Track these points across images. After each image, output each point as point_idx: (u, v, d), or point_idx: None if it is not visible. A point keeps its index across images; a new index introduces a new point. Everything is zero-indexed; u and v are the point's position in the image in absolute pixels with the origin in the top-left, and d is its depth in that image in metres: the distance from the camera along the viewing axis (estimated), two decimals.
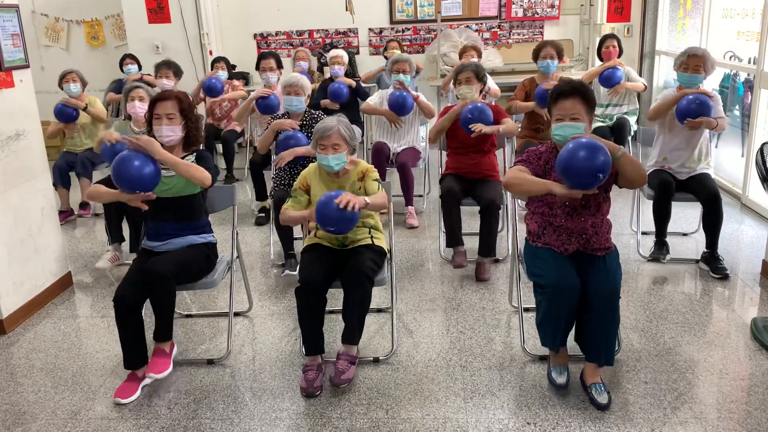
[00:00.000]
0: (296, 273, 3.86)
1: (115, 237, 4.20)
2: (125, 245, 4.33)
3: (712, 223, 3.74)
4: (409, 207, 4.85)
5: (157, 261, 2.81)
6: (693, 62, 3.78)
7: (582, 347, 2.71)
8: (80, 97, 5.24)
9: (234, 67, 7.31)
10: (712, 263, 3.77)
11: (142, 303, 2.83)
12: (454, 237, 3.89)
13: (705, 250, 3.84)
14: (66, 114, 5.14)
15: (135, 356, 2.84)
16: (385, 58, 6.60)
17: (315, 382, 2.76)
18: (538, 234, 2.78)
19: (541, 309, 2.67)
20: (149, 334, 2.91)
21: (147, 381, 2.88)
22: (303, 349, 2.90)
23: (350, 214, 2.69)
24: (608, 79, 5.35)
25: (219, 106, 6.11)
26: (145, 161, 2.69)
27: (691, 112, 3.65)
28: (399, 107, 4.64)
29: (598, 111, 5.53)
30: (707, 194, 3.70)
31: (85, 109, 5.19)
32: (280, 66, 5.43)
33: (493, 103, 4.82)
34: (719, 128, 3.79)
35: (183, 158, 2.95)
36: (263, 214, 5.03)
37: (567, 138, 2.60)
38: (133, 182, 2.68)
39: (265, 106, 4.80)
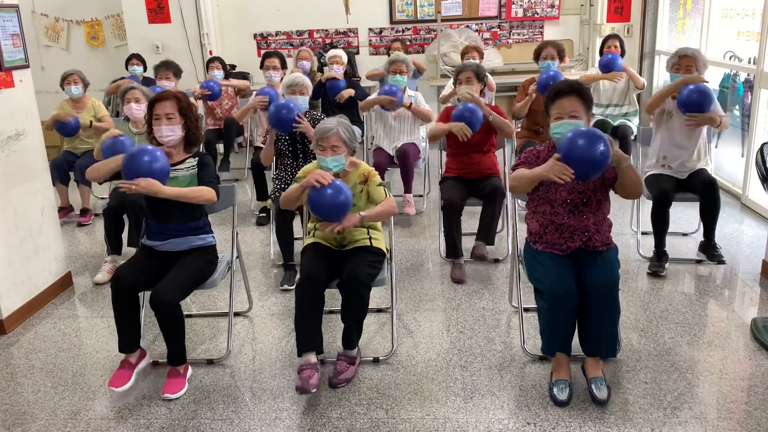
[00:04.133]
0: (293, 288, 3.85)
1: (113, 248, 4.14)
2: (124, 243, 4.32)
3: (709, 211, 3.73)
4: (408, 195, 4.87)
5: (161, 288, 2.75)
6: (684, 62, 3.79)
7: (583, 344, 2.71)
8: (83, 99, 5.22)
9: (234, 67, 7.31)
10: (709, 251, 3.77)
11: (140, 288, 2.83)
12: (453, 248, 3.89)
13: (702, 239, 3.84)
14: (66, 130, 5.04)
15: (129, 340, 2.86)
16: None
17: (311, 379, 2.68)
18: (539, 234, 2.78)
19: (542, 315, 2.68)
20: (149, 335, 2.91)
21: (141, 366, 2.92)
22: (297, 350, 2.79)
23: (342, 203, 2.69)
24: (608, 66, 5.21)
25: (219, 106, 6.10)
26: (155, 156, 2.70)
27: (692, 102, 3.62)
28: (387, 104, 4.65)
29: (598, 111, 5.53)
30: (703, 181, 3.70)
31: (91, 125, 5.14)
32: (284, 66, 5.44)
33: (493, 103, 4.83)
34: (722, 126, 3.78)
35: (184, 160, 2.97)
36: (264, 214, 5.02)
37: (567, 135, 2.61)
38: (143, 176, 2.68)
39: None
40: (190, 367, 2.95)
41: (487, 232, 3.88)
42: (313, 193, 2.72)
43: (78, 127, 5.06)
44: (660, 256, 3.86)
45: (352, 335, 2.89)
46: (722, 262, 3.71)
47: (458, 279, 3.82)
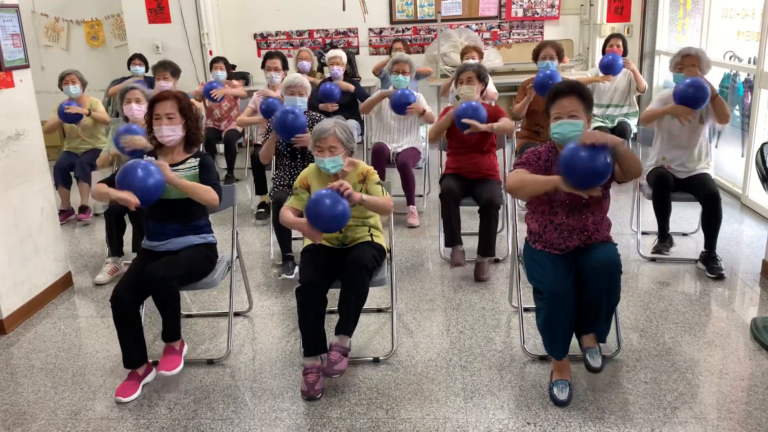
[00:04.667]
0: (293, 277, 3.87)
1: (114, 250, 4.14)
2: (127, 244, 4.31)
3: (711, 223, 3.74)
4: (411, 207, 4.85)
5: (157, 265, 2.79)
6: (688, 62, 3.79)
7: (580, 321, 2.71)
8: (81, 99, 5.21)
9: (234, 67, 7.30)
10: (709, 263, 3.77)
11: (140, 303, 2.84)
12: (452, 236, 3.89)
13: (703, 249, 3.84)
14: (70, 116, 5.06)
15: (134, 356, 2.85)
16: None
17: (316, 385, 2.75)
18: (538, 233, 2.78)
19: (541, 315, 2.68)
20: (149, 335, 2.91)
21: (148, 379, 2.90)
22: (302, 351, 2.89)
23: (340, 213, 2.68)
24: (609, 66, 5.24)
25: (218, 107, 6.11)
26: (148, 172, 2.70)
27: (688, 97, 3.62)
28: (401, 107, 4.60)
29: (599, 111, 5.53)
30: (707, 194, 3.70)
31: (89, 115, 5.15)
32: (285, 67, 5.44)
33: (493, 105, 4.83)
34: (718, 105, 3.70)
35: (185, 160, 2.97)
36: (263, 209, 5.04)
37: (566, 135, 2.61)
38: (136, 193, 2.68)
39: (267, 110, 4.61)
40: (185, 344, 2.98)
41: (486, 247, 3.86)
42: (311, 204, 2.72)
43: (80, 114, 5.08)
44: (663, 239, 3.87)
45: (349, 321, 2.84)
46: (721, 277, 3.70)
47: (458, 262, 3.82)
